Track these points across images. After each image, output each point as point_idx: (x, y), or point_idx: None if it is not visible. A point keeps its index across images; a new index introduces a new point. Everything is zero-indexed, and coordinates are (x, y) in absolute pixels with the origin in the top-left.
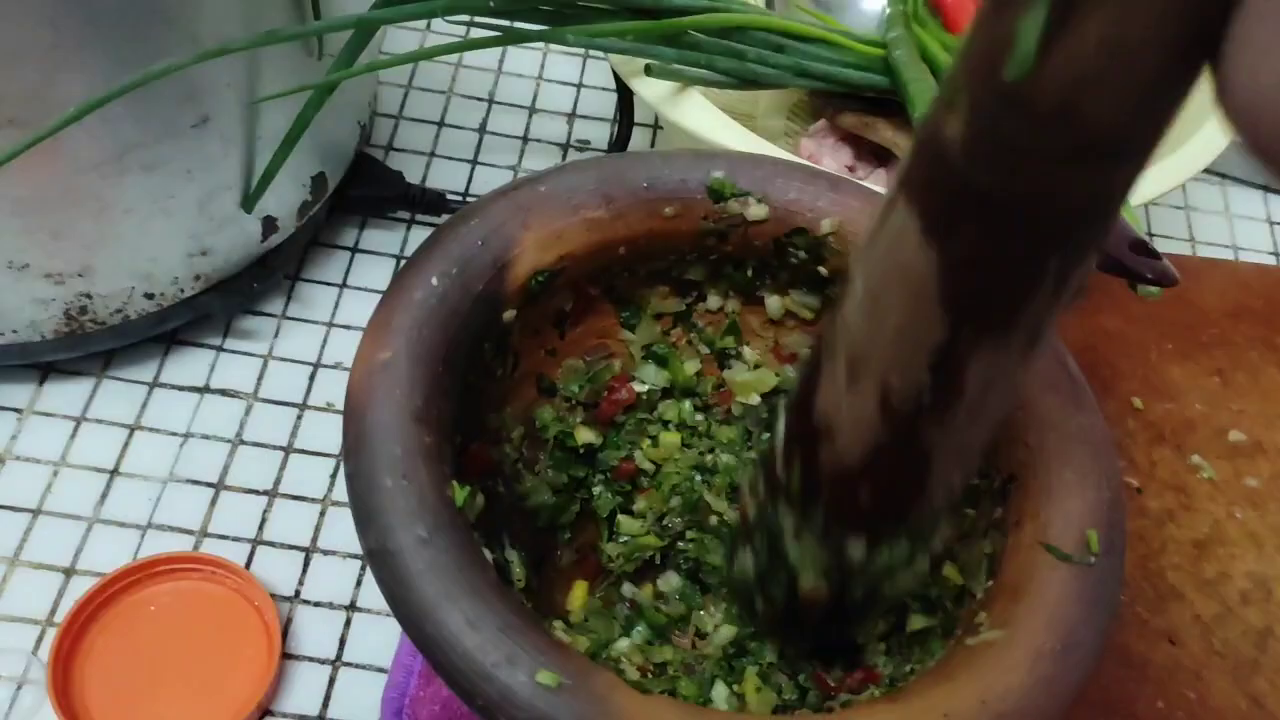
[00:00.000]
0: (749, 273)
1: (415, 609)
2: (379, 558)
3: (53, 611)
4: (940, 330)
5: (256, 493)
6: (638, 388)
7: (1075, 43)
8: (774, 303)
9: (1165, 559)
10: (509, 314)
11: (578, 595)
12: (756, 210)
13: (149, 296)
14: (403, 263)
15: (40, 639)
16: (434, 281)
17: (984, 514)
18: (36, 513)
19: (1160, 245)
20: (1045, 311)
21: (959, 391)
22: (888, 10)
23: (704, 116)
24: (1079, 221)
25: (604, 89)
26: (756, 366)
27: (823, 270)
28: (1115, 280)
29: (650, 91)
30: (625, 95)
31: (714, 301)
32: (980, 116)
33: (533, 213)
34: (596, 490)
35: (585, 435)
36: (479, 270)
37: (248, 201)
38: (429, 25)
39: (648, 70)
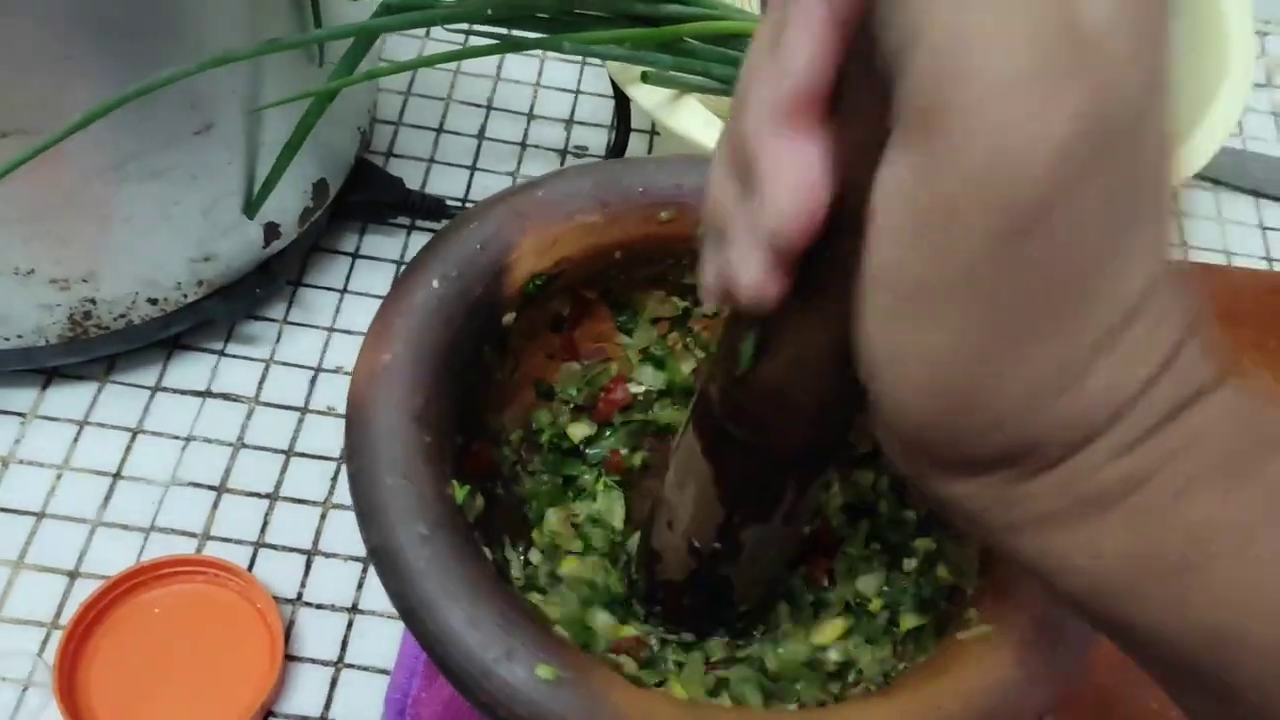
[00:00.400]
0: None
1: (417, 605)
2: (381, 555)
3: (58, 614)
4: (720, 513)
5: (258, 496)
6: (634, 389)
7: (771, 361)
8: None
9: None
10: (508, 317)
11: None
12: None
13: (152, 302)
14: (403, 268)
15: (45, 641)
16: (434, 284)
17: None
18: (40, 516)
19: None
20: (794, 505)
21: (739, 548)
22: None
23: (700, 123)
24: (802, 459)
25: (601, 95)
26: None
27: None
28: None
29: (647, 98)
30: (622, 102)
31: (710, 306)
32: (726, 390)
33: (530, 218)
34: (588, 480)
35: (580, 430)
36: (478, 274)
37: (250, 207)
38: (428, 33)
39: (644, 77)
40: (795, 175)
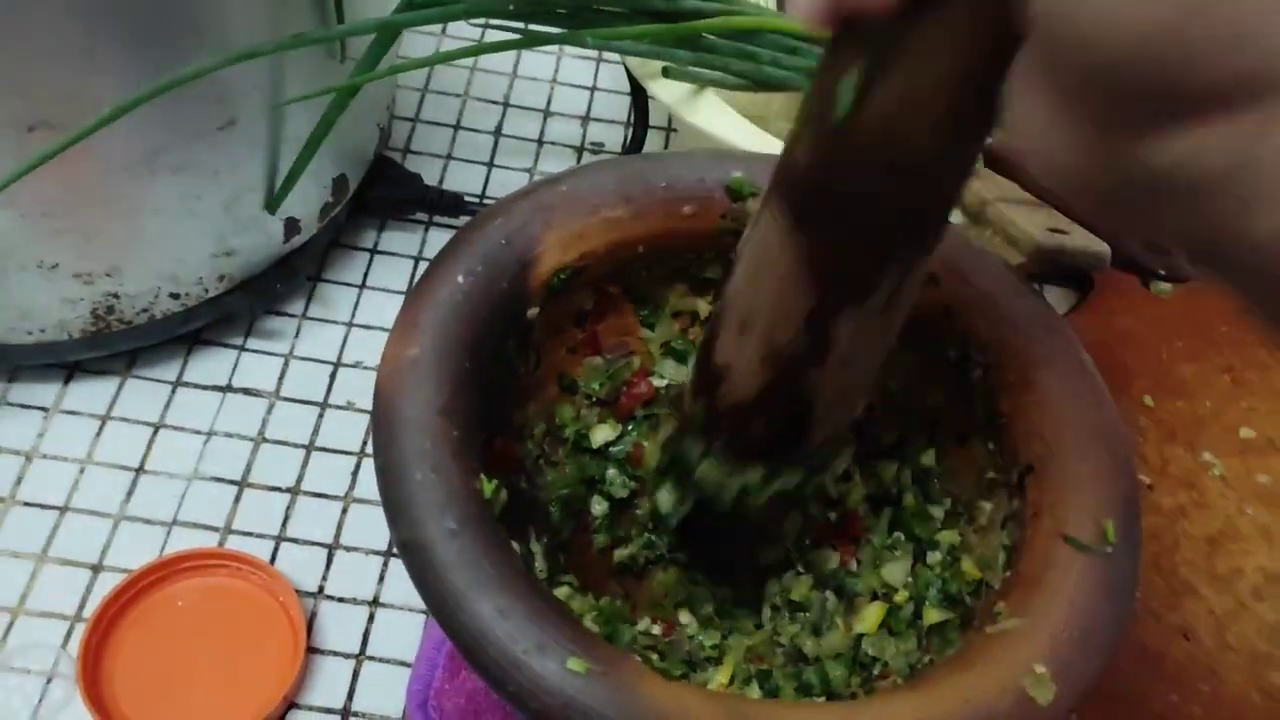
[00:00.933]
0: None
1: (446, 598)
2: (410, 549)
3: (81, 607)
4: (809, 299)
5: (279, 490)
6: (656, 382)
7: (878, 100)
8: None
9: (1178, 555)
10: (532, 311)
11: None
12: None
13: (174, 296)
14: (421, 264)
15: (69, 634)
16: (459, 279)
17: (1000, 507)
18: (64, 510)
19: None
20: (896, 289)
21: (829, 345)
22: None
23: (720, 118)
24: (909, 222)
25: (617, 92)
26: None
27: None
28: (1126, 279)
29: (667, 94)
30: (640, 98)
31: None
32: (819, 145)
33: (555, 212)
34: (609, 475)
35: (602, 434)
36: (503, 268)
37: (271, 203)
38: (444, 29)
39: (665, 73)
40: None
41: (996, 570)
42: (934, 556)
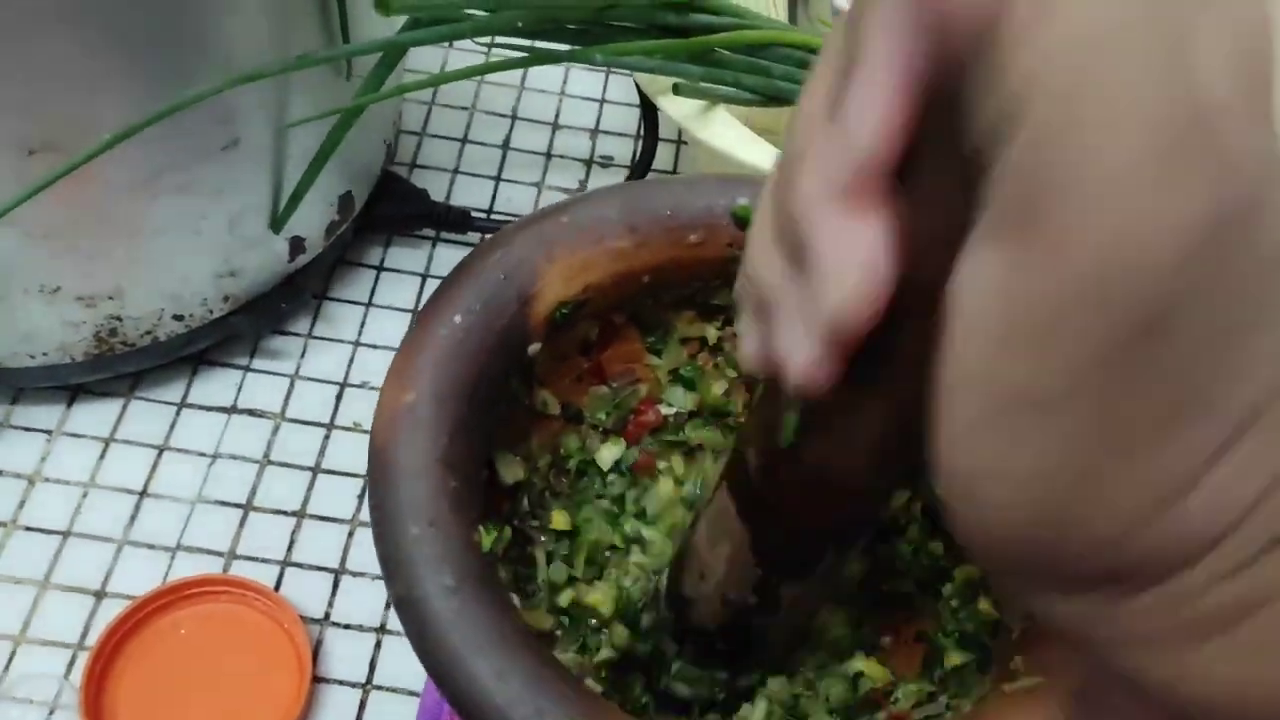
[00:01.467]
0: None
1: (443, 659)
2: (406, 606)
3: (84, 635)
4: (757, 572)
5: (285, 513)
6: (665, 410)
7: (816, 440)
8: None
9: None
10: (534, 347)
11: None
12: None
13: (178, 318)
14: (428, 280)
15: (71, 663)
16: (457, 319)
17: None
18: (66, 534)
19: None
20: (833, 567)
21: (777, 603)
22: None
23: (731, 135)
24: (841, 530)
25: (627, 105)
26: None
27: None
28: None
29: (677, 109)
30: (649, 112)
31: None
32: (766, 460)
33: (556, 244)
34: (610, 482)
35: (610, 453)
36: (502, 305)
37: (276, 222)
38: (451, 43)
39: (676, 89)
40: (856, 259)
41: (1015, 612)
42: (947, 589)
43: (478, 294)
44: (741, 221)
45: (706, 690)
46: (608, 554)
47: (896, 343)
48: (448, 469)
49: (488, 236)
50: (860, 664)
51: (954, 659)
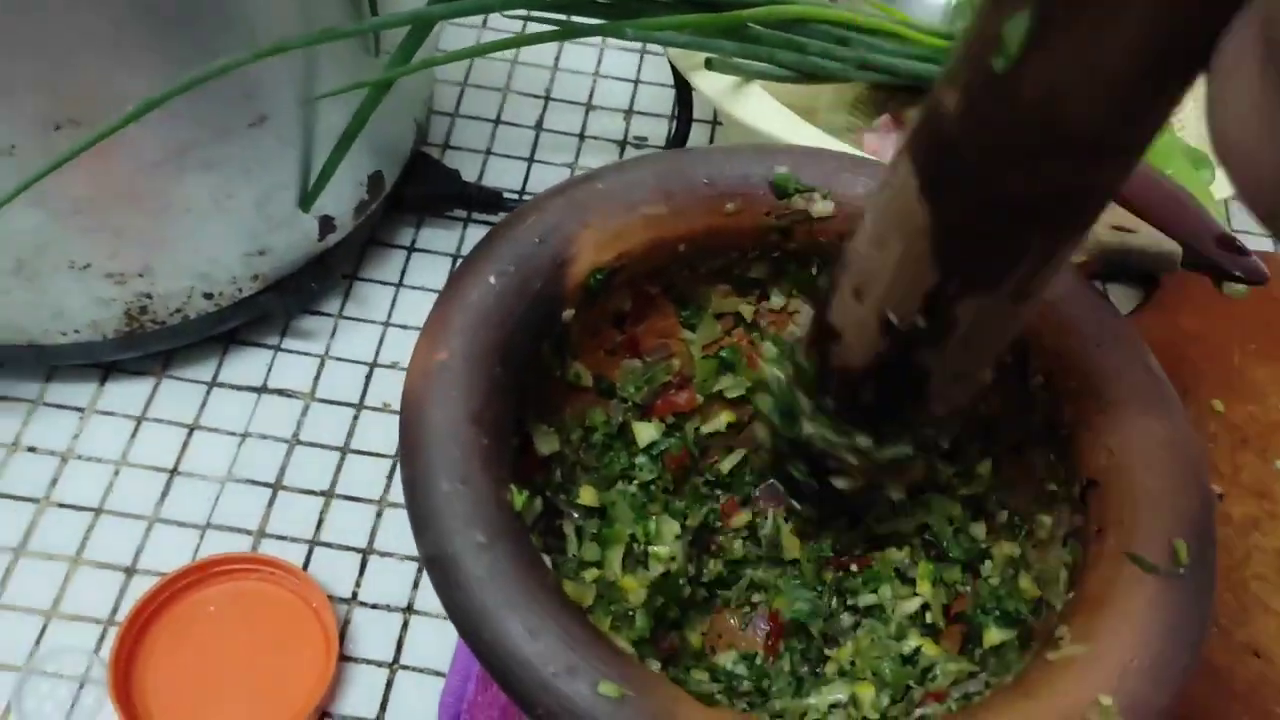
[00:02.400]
0: (813, 270)
1: (474, 616)
2: (436, 564)
3: (114, 611)
4: (932, 277)
5: (313, 493)
6: (700, 396)
7: (1052, 54)
8: None
9: (1249, 569)
10: (567, 313)
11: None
12: (821, 207)
13: (208, 296)
14: (459, 262)
15: (102, 638)
16: (491, 280)
17: (1062, 521)
18: (99, 512)
19: (1246, 241)
20: (1030, 278)
21: (949, 326)
22: (954, 1)
23: (765, 111)
24: (1058, 206)
25: (661, 85)
26: None
27: None
28: (1194, 278)
29: (710, 86)
30: (684, 91)
31: (777, 301)
32: (972, 97)
33: (591, 210)
34: (640, 465)
35: (646, 433)
36: (537, 269)
37: (305, 201)
38: (485, 22)
39: (708, 64)
40: None
41: (1057, 589)
42: (988, 567)
43: (512, 257)
44: (780, 190)
45: (834, 450)
46: (637, 546)
47: None
48: (479, 428)
49: None
50: (916, 641)
51: (993, 637)
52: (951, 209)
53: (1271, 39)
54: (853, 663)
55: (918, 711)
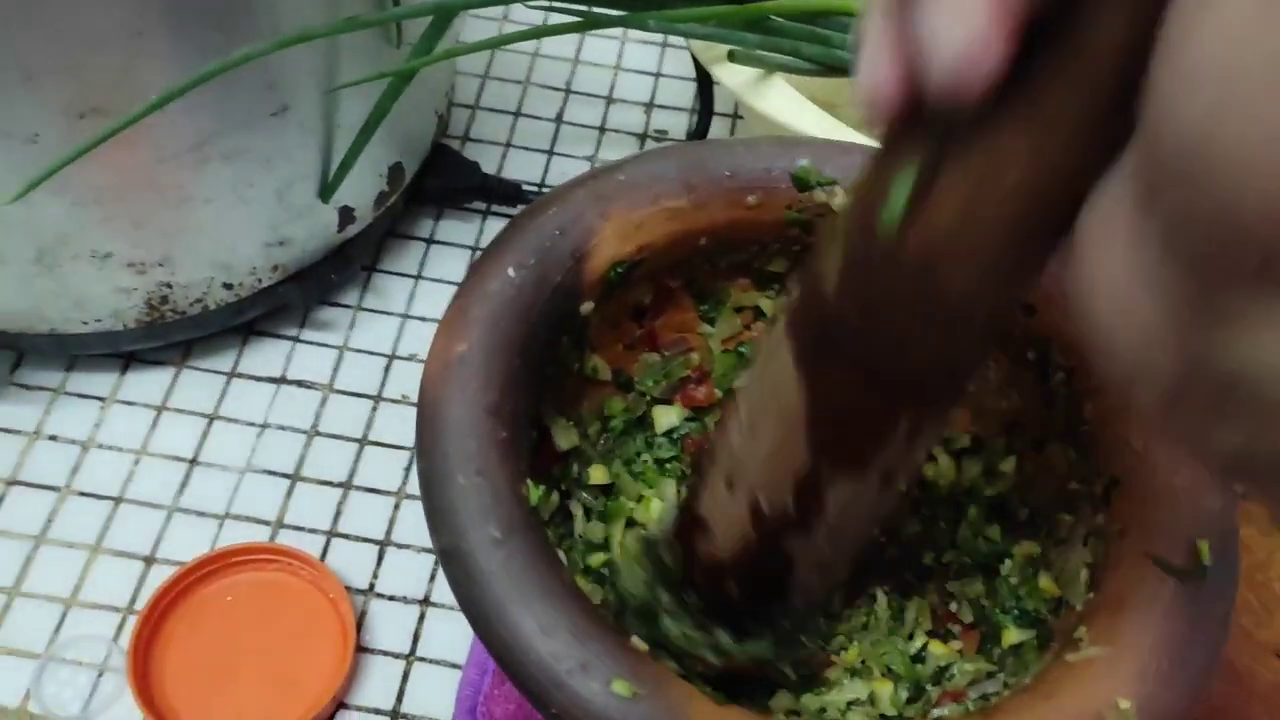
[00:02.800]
0: None
1: (487, 611)
2: (451, 557)
3: (133, 599)
4: (803, 460)
5: (331, 484)
6: (719, 390)
7: (937, 206)
8: None
9: (1273, 569)
10: (587, 306)
11: None
12: (843, 200)
13: (228, 286)
14: (478, 255)
15: (121, 627)
16: (510, 272)
17: (1083, 520)
18: (119, 500)
19: None
20: (898, 459)
21: (819, 512)
22: None
23: (788, 104)
24: (930, 382)
25: (682, 79)
26: None
27: None
28: None
29: (733, 79)
30: (705, 84)
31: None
32: (853, 260)
33: (612, 202)
34: (659, 444)
35: (667, 418)
36: (557, 261)
37: (325, 191)
38: (506, 14)
39: (731, 57)
40: None
41: (1078, 589)
42: (1008, 566)
43: (532, 249)
44: (801, 183)
45: (693, 650)
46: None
47: (1074, 19)
48: (497, 420)
49: None
50: (922, 640)
51: (1012, 636)
52: (826, 385)
53: (1150, 201)
54: (863, 662)
55: (935, 711)
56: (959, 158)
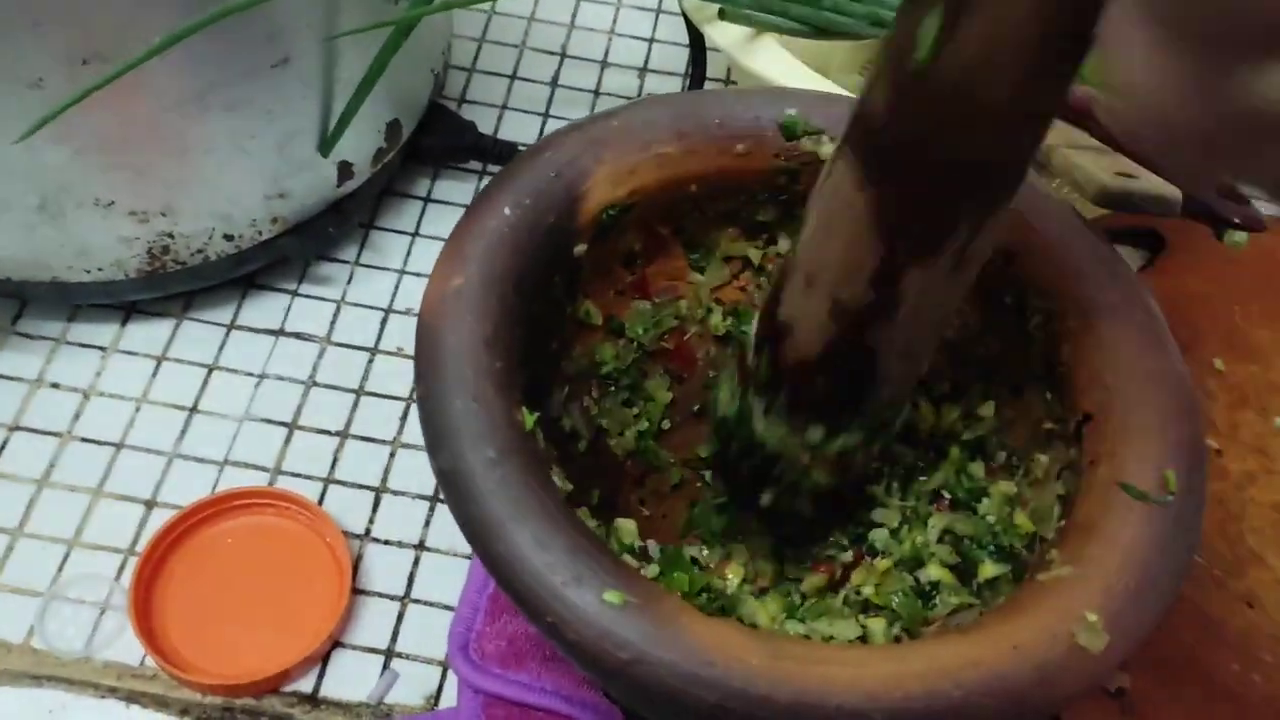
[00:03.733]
0: None
1: (485, 528)
2: (450, 478)
3: (134, 541)
4: (876, 255)
5: (329, 433)
6: (714, 350)
7: (961, 42)
8: None
9: (1245, 523)
10: (580, 248)
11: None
12: (829, 149)
13: (228, 238)
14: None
15: (122, 567)
16: (506, 211)
17: (1058, 457)
18: (119, 447)
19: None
20: (965, 246)
21: (896, 301)
22: None
23: (779, 64)
24: (983, 174)
25: (676, 44)
26: None
27: None
28: (1197, 237)
29: (723, 37)
30: (698, 49)
31: (785, 245)
32: (897, 91)
33: (606, 147)
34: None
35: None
36: (551, 202)
37: (325, 145)
38: None
39: (721, 14)
40: None
41: (1051, 522)
42: (986, 505)
43: (528, 189)
44: (789, 133)
45: (793, 452)
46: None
47: None
48: (492, 350)
49: None
50: (934, 571)
51: (988, 571)
52: (889, 188)
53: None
54: (858, 591)
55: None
56: None
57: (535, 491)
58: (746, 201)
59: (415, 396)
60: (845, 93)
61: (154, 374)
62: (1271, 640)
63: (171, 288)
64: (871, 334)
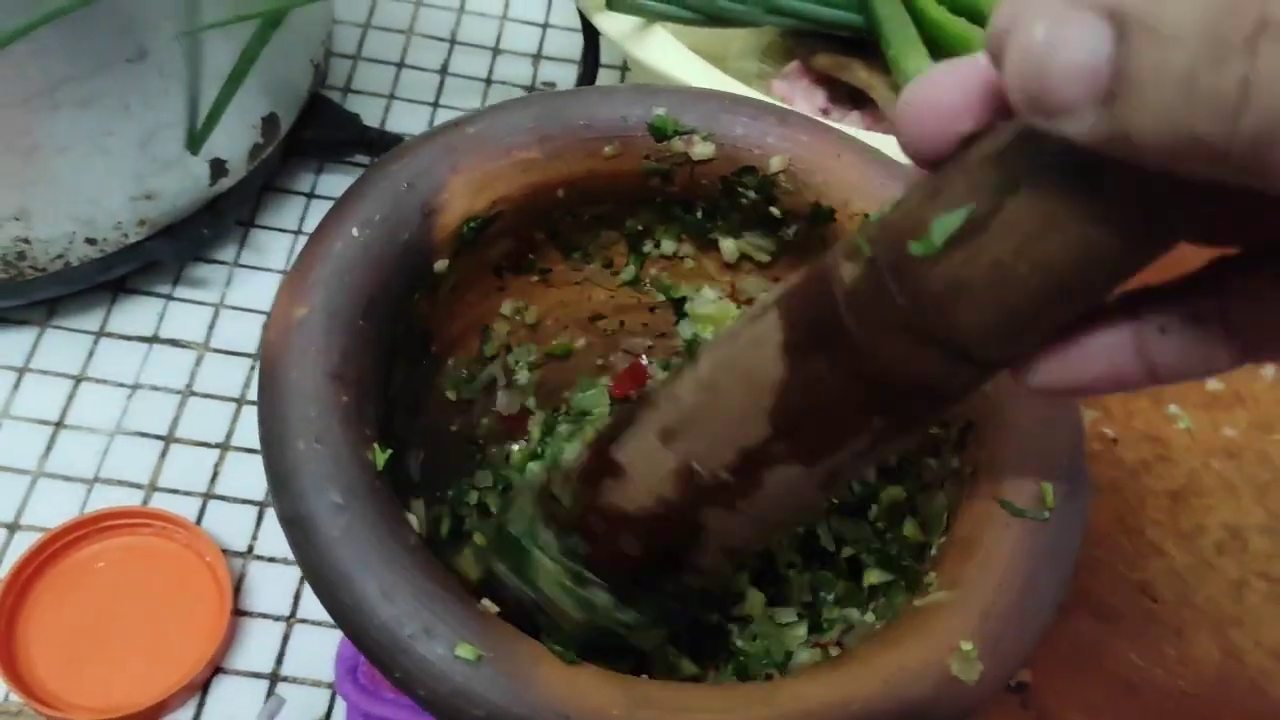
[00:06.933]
0: (699, 215)
1: (329, 578)
2: (293, 525)
3: None
4: (758, 433)
5: (208, 446)
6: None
7: (970, 255)
8: (728, 246)
9: (1144, 514)
10: (440, 264)
11: None
12: (702, 149)
13: (91, 241)
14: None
15: None
16: (354, 232)
17: (943, 464)
18: None
19: None
20: (850, 462)
21: (753, 490)
22: None
23: (671, 55)
24: (914, 400)
25: (570, 29)
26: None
27: (775, 211)
28: None
29: (614, 27)
30: (591, 35)
31: (668, 246)
32: (873, 273)
33: (461, 155)
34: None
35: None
36: (405, 218)
37: (193, 142)
38: None
39: (610, 4)
40: None
41: (936, 534)
42: (874, 511)
43: (378, 205)
44: (659, 132)
45: (558, 601)
46: None
47: None
48: (339, 384)
49: None
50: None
51: (872, 577)
52: (811, 373)
53: None
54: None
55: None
56: (1011, 215)
57: (383, 537)
58: (620, 205)
59: (259, 438)
60: (743, 86)
61: (15, 386)
62: (1171, 632)
63: (32, 295)
64: (708, 516)
